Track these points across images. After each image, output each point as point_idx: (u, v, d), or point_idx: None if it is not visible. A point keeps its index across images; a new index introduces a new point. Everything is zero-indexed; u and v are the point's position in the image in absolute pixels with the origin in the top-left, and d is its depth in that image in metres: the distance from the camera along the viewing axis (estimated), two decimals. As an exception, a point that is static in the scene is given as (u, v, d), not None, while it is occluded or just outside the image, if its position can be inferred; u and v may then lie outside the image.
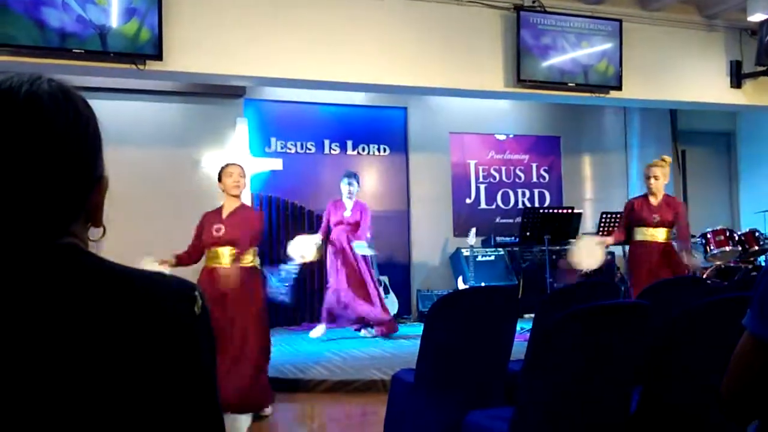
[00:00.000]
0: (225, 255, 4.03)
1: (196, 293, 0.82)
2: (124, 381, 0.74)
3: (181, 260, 4.13)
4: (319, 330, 6.37)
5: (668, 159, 5.38)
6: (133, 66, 5.07)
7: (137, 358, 0.75)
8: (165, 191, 6.74)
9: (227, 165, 4.28)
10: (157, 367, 0.76)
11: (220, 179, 4.23)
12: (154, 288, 0.80)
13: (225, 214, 4.14)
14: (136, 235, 6.63)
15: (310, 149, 7.71)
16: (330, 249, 6.39)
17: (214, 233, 4.06)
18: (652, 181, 5.20)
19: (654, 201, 5.21)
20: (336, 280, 6.31)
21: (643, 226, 5.19)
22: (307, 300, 7.42)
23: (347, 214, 6.41)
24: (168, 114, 6.89)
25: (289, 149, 7.63)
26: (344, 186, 6.46)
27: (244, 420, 3.97)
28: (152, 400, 0.75)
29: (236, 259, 4.01)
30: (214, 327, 0.84)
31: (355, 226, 6.38)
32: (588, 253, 5.36)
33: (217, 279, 3.96)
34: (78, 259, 0.79)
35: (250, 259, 4.09)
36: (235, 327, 3.91)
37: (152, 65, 5.11)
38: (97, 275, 0.78)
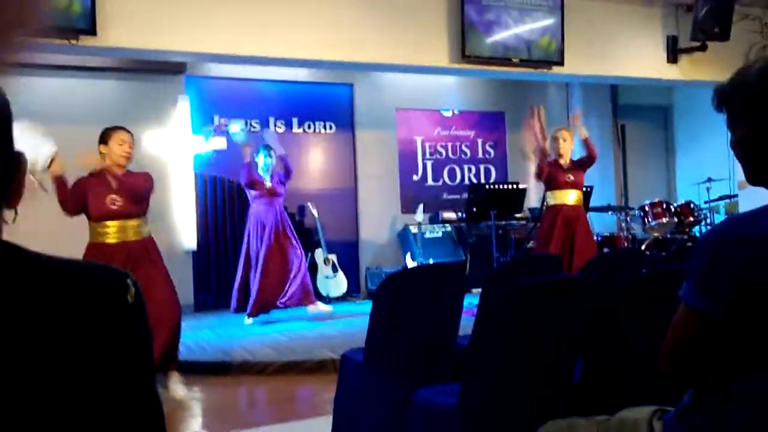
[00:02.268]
0: (128, 228, 3.84)
1: (129, 281, 0.80)
2: (58, 373, 0.71)
3: (64, 190, 3.79)
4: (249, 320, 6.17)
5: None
6: (66, 41, 4.85)
7: (70, 349, 0.72)
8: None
9: (118, 129, 3.95)
10: (91, 357, 0.74)
11: (105, 142, 3.90)
12: (84, 278, 0.77)
13: (114, 184, 3.84)
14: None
15: (254, 127, 7.57)
16: (251, 223, 6.16)
17: (110, 205, 3.80)
18: (561, 143, 5.48)
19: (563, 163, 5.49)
20: (259, 260, 6.05)
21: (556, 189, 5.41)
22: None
23: (267, 184, 6.18)
24: (105, 91, 6.65)
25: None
26: (262, 158, 6.23)
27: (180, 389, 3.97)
28: (88, 390, 0.73)
29: (140, 230, 3.88)
30: None
31: (274, 192, 6.18)
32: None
33: (122, 254, 3.78)
34: (3, 249, 0.75)
35: (147, 229, 3.96)
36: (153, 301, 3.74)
37: (86, 40, 4.90)
38: (21, 266, 0.74)
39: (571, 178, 5.41)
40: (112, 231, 3.83)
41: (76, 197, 3.86)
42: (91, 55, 5.76)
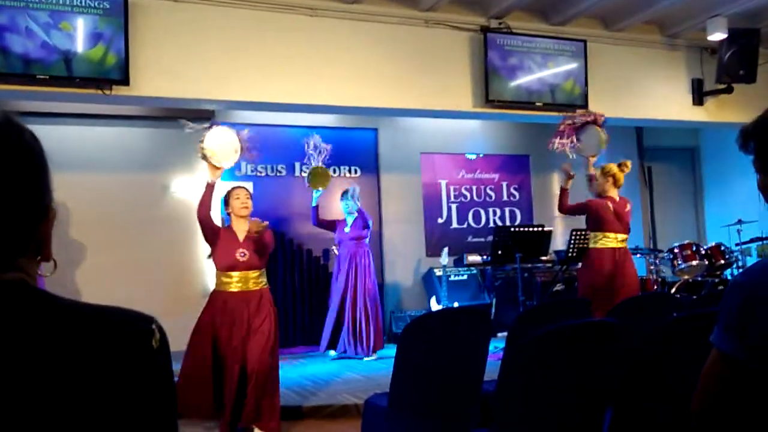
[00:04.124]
0: (250, 279, 4.12)
1: (154, 326, 0.80)
2: (81, 416, 0.72)
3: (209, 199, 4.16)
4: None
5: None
6: (99, 91, 5.01)
7: (92, 393, 0.73)
8: (134, 217, 6.65)
9: (233, 188, 4.37)
10: (114, 401, 0.74)
11: (227, 204, 4.29)
12: (106, 324, 0.77)
13: (241, 238, 4.17)
14: (106, 262, 6.53)
15: (280, 172, 7.67)
16: (336, 266, 6.57)
17: (239, 258, 4.09)
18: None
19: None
20: (337, 300, 6.44)
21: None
22: (280, 326, 7.33)
23: (347, 230, 6.58)
24: (136, 139, 6.81)
25: (260, 172, 7.59)
26: (342, 205, 6.70)
27: None
28: None
29: (261, 280, 4.18)
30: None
31: (358, 240, 6.54)
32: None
33: (242, 302, 4.05)
34: (25, 294, 0.76)
35: (264, 281, 4.24)
36: (251, 348, 3.98)
37: (119, 90, 5.06)
38: (47, 312, 0.75)
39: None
40: (235, 281, 4.10)
41: (212, 227, 4.20)
42: (124, 104, 5.93)
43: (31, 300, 0.76)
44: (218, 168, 4.21)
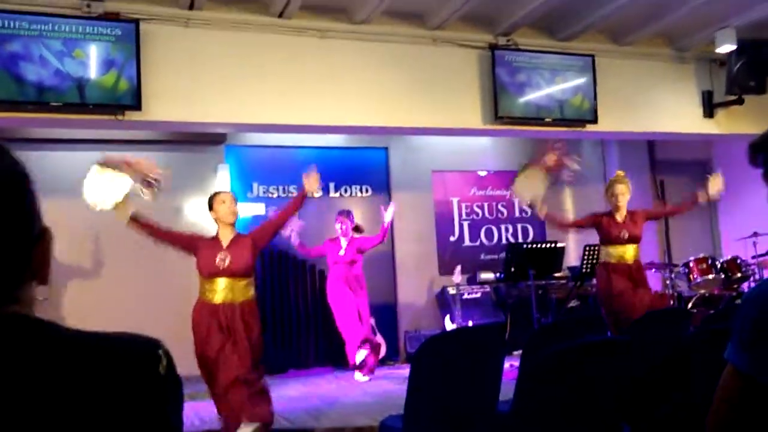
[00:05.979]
0: (238, 288, 3.90)
1: (160, 352, 0.79)
2: None
3: (148, 225, 3.96)
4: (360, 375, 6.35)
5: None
6: (112, 117, 5.08)
7: (101, 424, 0.72)
8: (147, 240, 6.67)
9: (218, 193, 4.17)
10: (123, 430, 0.73)
11: (211, 208, 4.09)
12: (113, 352, 0.77)
13: (225, 242, 3.98)
14: (118, 286, 6.56)
15: (292, 193, 7.69)
16: (330, 289, 6.47)
17: (218, 262, 3.87)
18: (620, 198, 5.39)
19: (619, 218, 5.35)
20: (345, 319, 6.32)
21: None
22: (293, 347, 7.33)
23: (341, 252, 6.46)
24: (148, 163, 6.87)
25: (272, 194, 7.62)
26: (336, 225, 6.56)
27: None
28: None
29: (248, 290, 3.95)
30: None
31: (351, 264, 6.42)
32: (530, 186, 5.40)
33: (227, 313, 3.84)
34: (27, 328, 0.75)
35: (252, 291, 4.02)
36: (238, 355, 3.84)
37: (131, 115, 5.13)
38: (50, 345, 0.74)
39: (627, 234, 5.32)
40: (220, 288, 3.87)
41: (180, 236, 4.06)
42: (136, 129, 6.00)
43: (33, 334, 0.75)
44: (118, 207, 3.92)
